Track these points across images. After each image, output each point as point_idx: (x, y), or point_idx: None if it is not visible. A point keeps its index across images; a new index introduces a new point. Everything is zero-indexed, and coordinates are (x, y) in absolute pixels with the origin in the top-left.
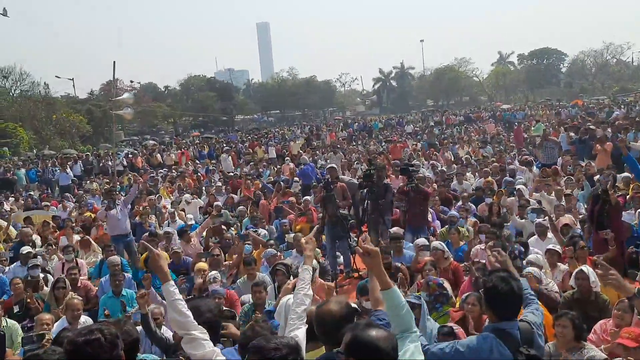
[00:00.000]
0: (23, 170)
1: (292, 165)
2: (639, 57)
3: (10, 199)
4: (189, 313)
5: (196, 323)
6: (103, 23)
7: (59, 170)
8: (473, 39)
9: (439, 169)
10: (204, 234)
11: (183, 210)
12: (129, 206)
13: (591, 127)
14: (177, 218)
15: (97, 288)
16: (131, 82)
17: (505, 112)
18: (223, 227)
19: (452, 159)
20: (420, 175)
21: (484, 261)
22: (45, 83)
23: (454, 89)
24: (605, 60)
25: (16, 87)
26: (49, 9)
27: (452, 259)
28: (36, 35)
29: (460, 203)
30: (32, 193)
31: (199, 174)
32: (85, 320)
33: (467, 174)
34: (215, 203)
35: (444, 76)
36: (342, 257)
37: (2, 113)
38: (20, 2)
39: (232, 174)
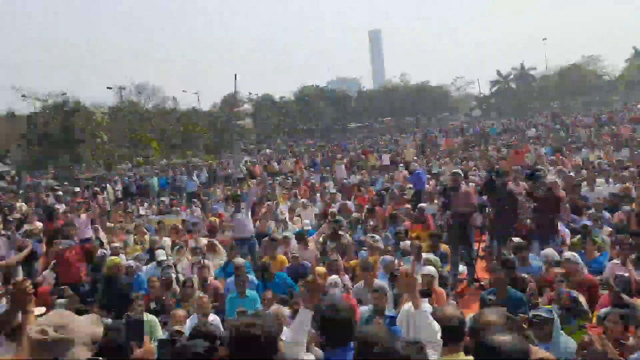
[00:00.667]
0: (155, 179)
1: (405, 172)
2: None
3: (144, 204)
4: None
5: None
6: (224, 39)
7: (186, 178)
8: (602, 34)
9: (566, 174)
10: (321, 239)
11: (299, 215)
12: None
13: None
14: (289, 223)
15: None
16: (249, 93)
17: None
18: (340, 232)
19: (581, 164)
20: (550, 179)
21: (626, 274)
22: (173, 97)
23: (581, 88)
24: None
25: (149, 102)
26: (175, 30)
27: (586, 271)
28: (167, 53)
29: (592, 211)
30: (163, 199)
31: (313, 181)
32: (213, 318)
33: (599, 179)
34: (331, 209)
35: (570, 76)
36: (463, 265)
37: (137, 126)
38: (150, 27)
39: (345, 181)
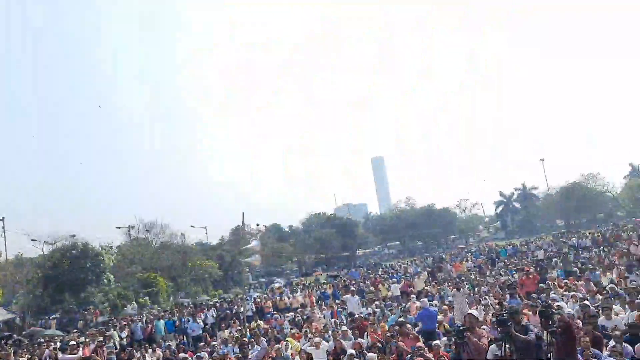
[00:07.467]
0: (162, 321)
1: (418, 303)
2: None
3: (149, 350)
4: None
5: None
6: (232, 177)
7: (191, 320)
8: (598, 153)
9: (582, 303)
10: None
11: (310, 354)
12: None
13: None
14: None
15: None
16: (257, 225)
17: None
18: None
19: (595, 289)
20: (566, 313)
21: None
22: (182, 233)
23: (585, 206)
24: None
25: (157, 239)
26: (185, 167)
27: None
28: (176, 191)
29: (612, 343)
30: (170, 344)
31: (324, 317)
32: None
33: (615, 306)
34: (349, 351)
35: (573, 194)
36: None
37: (145, 264)
38: (163, 162)
39: (358, 316)
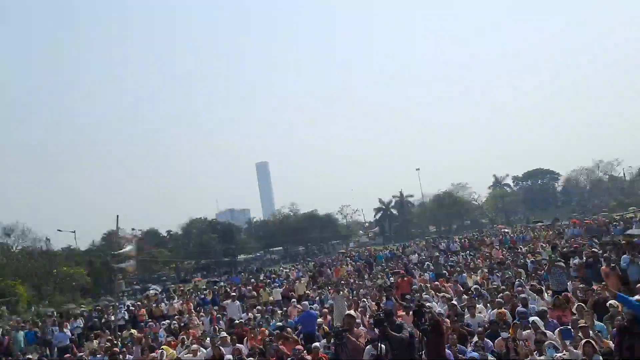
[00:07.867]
0: (22, 332)
1: (299, 307)
2: (630, 173)
3: None
4: None
5: None
6: (105, 175)
7: (57, 329)
8: (467, 164)
9: (450, 302)
10: None
11: None
12: None
13: (594, 250)
14: None
15: None
16: (132, 229)
17: (506, 236)
18: None
19: (462, 290)
20: (437, 312)
21: None
22: (46, 238)
23: (455, 214)
24: (598, 177)
25: (18, 244)
26: (50, 164)
27: None
28: (40, 191)
29: (475, 339)
30: (30, 357)
31: (202, 323)
32: None
33: (479, 305)
34: (226, 357)
35: (443, 202)
36: None
37: (3, 271)
38: (23, 158)
39: (238, 321)
